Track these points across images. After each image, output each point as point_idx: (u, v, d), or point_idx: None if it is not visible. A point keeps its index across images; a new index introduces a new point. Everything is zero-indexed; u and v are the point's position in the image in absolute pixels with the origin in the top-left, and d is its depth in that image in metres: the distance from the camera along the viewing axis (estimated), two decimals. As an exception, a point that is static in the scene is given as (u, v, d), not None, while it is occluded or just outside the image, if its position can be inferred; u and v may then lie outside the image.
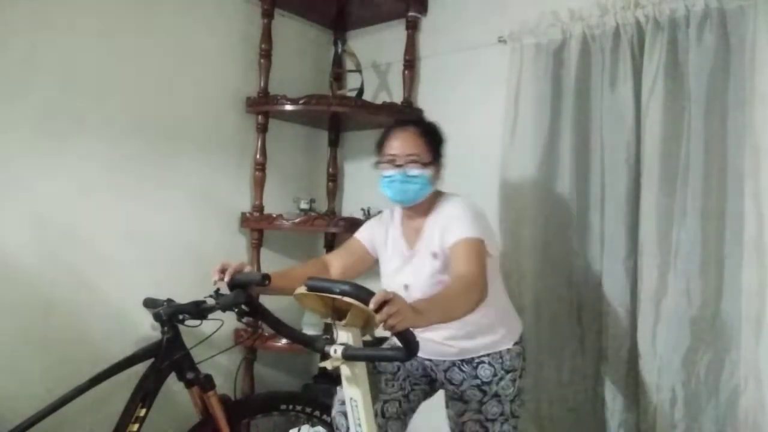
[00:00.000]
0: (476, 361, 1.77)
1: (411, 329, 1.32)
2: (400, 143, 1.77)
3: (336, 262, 1.91)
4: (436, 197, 1.82)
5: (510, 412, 1.77)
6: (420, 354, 1.81)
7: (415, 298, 1.52)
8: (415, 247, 1.81)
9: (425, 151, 1.77)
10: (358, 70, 2.68)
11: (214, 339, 1.90)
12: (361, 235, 1.97)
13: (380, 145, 1.83)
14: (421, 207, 1.81)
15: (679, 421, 1.92)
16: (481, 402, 1.77)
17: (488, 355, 1.77)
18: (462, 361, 1.79)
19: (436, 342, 1.78)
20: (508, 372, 1.77)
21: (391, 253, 1.87)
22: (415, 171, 1.74)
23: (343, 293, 1.32)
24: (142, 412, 1.77)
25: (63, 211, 2.07)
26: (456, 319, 1.54)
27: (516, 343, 1.81)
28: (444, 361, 1.82)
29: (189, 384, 1.88)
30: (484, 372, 1.77)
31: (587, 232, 2.17)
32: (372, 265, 1.95)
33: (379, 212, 2.07)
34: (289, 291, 1.52)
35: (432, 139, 1.81)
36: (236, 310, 1.67)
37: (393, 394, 1.84)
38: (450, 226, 1.70)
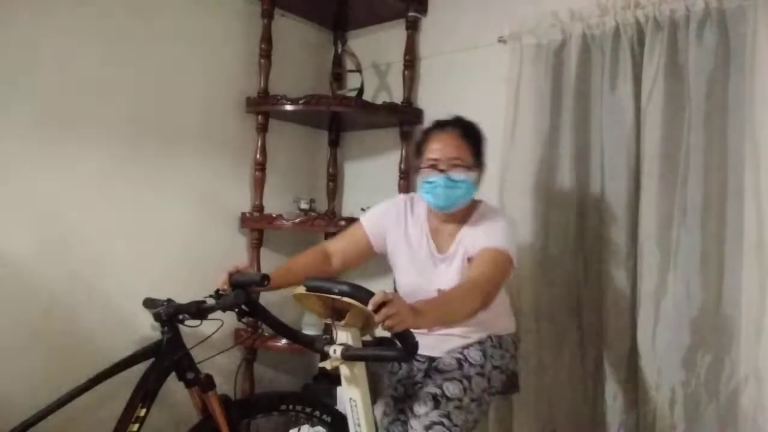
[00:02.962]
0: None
1: (411, 330, 1.32)
2: (442, 146, 1.70)
3: (337, 252, 1.86)
4: (474, 205, 1.78)
5: (488, 375, 1.70)
6: (434, 354, 1.82)
7: None
8: (448, 251, 1.75)
9: (469, 154, 1.70)
10: (358, 70, 2.68)
11: (214, 339, 1.89)
12: (368, 223, 1.87)
13: (419, 149, 1.77)
14: (459, 213, 1.75)
15: (679, 421, 1.92)
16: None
17: (489, 336, 1.79)
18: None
19: (455, 335, 1.75)
20: (500, 348, 1.78)
21: (411, 250, 1.80)
22: (460, 175, 1.68)
23: (342, 294, 1.33)
24: (142, 412, 1.76)
25: (63, 211, 2.07)
26: (456, 323, 1.54)
27: (514, 333, 1.88)
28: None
29: (189, 384, 1.87)
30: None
31: (587, 231, 2.17)
32: (372, 258, 1.90)
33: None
34: (290, 286, 1.51)
35: (474, 140, 1.74)
36: (236, 310, 1.67)
37: None
38: (486, 234, 1.68)
